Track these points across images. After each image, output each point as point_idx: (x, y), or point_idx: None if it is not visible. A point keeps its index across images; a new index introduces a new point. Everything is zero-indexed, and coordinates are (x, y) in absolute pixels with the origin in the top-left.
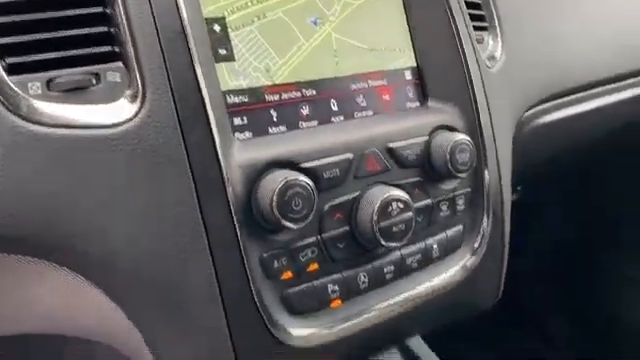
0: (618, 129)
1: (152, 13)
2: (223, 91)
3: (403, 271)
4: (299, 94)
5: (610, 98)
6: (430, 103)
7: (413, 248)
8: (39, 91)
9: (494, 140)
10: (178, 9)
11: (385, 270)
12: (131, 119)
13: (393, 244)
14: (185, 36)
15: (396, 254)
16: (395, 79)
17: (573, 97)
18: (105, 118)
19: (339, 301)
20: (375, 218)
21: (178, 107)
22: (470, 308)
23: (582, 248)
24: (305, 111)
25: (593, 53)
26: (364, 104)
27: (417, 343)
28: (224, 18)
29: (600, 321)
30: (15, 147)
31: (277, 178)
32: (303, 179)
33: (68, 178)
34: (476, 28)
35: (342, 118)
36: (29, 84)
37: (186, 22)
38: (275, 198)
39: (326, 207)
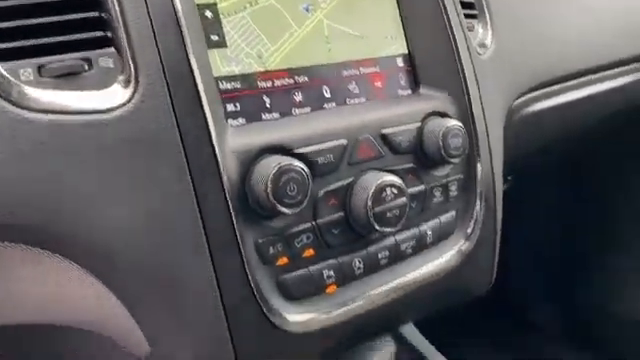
0: (608, 118)
1: None
2: (215, 77)
3: (398, 257)
4: (291, 80)
5: (601, 86)
6: (422, 90)
7: (407, 234)
8: (31, 77)
9: (486, 126)
10: None
11: (380, 256)
12: (124, 104)
13: (387, 229)
14: (177, 22)
15: (390, 240)
16: (387, 66)
17: (563, 85)
18: (98, 103)
19: (335, 286)
20: (369, 204)
21: (171, 92)
22: (464, 294)
23: (570, 238)
24: (298, 97)
25: (583, 41)
26: (356, 91)
27: (410, 331)
28: (216, 4)
29: (588, 310)
30: (6, 133)
31: (271, 163)
32: (298, 164)
33: (60, 164)
34: (466, 16)
35: (334, 105)
36: (20, 70)
37: (178, 7)
38: (270, 183)
39: (320, 193)
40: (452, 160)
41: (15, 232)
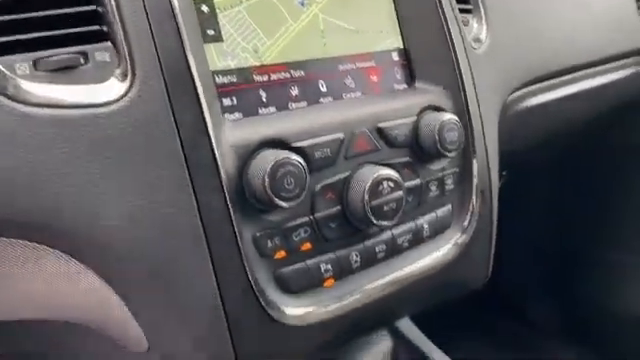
0: (601, 113)
1: None
2: (212, 71)
3: (394, 250)
4: (288, 75)
5: (593, 81)
6: (417, 84)
7: (404, 228)
8: (27, 71)
9: (481, 120)
10: None
11: (377, 249)
12: (121, 98)
13: (384, 223)
14: (174, 16)
15: (387, 234)
16: (382, 60)
17: (557, 80)
18: (95, 97)
19: (332, 280)
20: (366, 197)
21: (168, 86)
22: (460, 287)
23: (566, 233)
24: (294, 92)
25: (577, 37)
26: (352, 85)
27: (407, 326)
28: None
29: (585, 306)
30: (2, 127)
31: (268, 157)
32: (295, 158)
33: (57, 158)
34: (461, 11)
35: (331, 99)
36: (16, 64)
37: (174, 2)
38: (267, 177)
39: (317, 187)
40: (448, 154)
41: (12, 227)
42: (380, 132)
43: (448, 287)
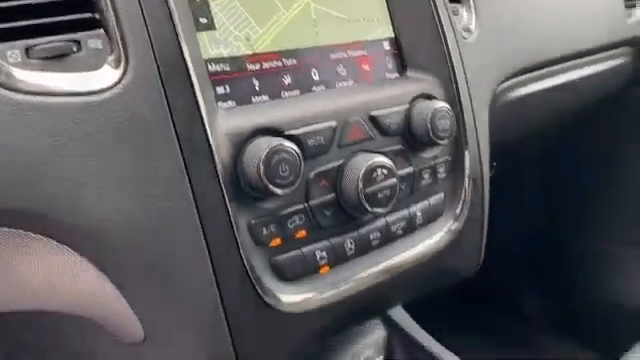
0: (591, 104)
1: None
2: (205, 60)
3: (388, 238)
4: (280, 63)
5: (582, 72)
6: (409, 73)
7: (397, 215)
8: (18, 59)
9: (472, 109)
10: None
11: (371, 237)
12: (115, 85)
13: (379, 210)
14: (167, 4)
15: (381, 221)
16: (374, 49)
17: (545, 71)
18: (88, 85)
19: (327, 267)
20: (360, 184)
21: (162, 73)
22: (453, 275)
23: (554, 224)
24: (287, 80)
25: (564, 28)
26: (344, 74)
27: (400, 314)
28: None
29: (572, 294)
30: None
31: (262, 144)
32: (289, 145)
33: (51, 146)
34: (451, 0)
35: (323, 88)
36: (8, 52)
37: None
38: (262, 164)
39: (312, 175)
40: (440, 142)
41: (7, 216)
42: (373, 120)
43: (441, 274)
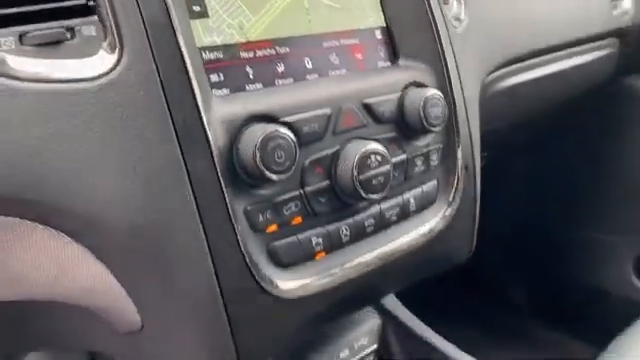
0: (579, 94)
1: None
2: (198, 47)
3: (383, 224)
4: (273, 51)
5: (569, 62)
6: (401, 61)
7: (391, 202)
8: (12, 46)
9: (463, 97)
10: None
11: (366, 224)
12: (109, 72)
13: (373, 196)
14: None
15: (375, 208)
16: (366, 38)
17: (534, 61)
18: (82, 72)
19: (323, 253)
20: (355, 171)
21: (157, 60)
22: (446, 261)
23: (543, 212)
24: (280, 68)
25: (553, 18)
26: (337, 62)
27: (394, 303)
28: None
29: (562, 283)
30: None
31: (257, 131)
32: (284, 131)
33: (46, 133)
34: None
35: (317, 76)
36: (2, 39)
37: None
38: (258, 150)
39: (307, 162)
40: (432, 129)
41: (2, 204)
42: (366, 108)
43: (435, 261)
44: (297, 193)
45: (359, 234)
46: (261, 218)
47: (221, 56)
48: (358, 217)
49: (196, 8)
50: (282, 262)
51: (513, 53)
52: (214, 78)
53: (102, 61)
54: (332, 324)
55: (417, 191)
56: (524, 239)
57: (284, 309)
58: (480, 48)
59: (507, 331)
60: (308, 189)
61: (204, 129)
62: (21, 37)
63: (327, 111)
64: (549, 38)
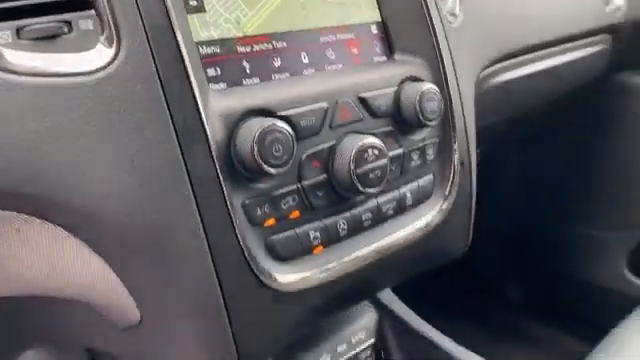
0: (571, 90)
1: None
2: (196, 42)
3: (380, 218)
4: (270, 46)
5: (563, 58)
6: (397, 56)
7: (388, 196)
8: (9, 40)
9: (459, 91)
10: None
11: (363, 217)
12: (107, 66)
13: (370, 190)
14: None
15: (372, 202)
16: (362, 33)
17: (528, 57)
18: (79, 66)
19: (321, 247)
20: (352, 165)
21: (155, 55)
22: (442, 255)
23: (536, 208)
24: (277, 63)
25: (547, 14)
26: (333, 57)
27: (391, 298)
28: None
29: (555, 278)
30: None
31: (255, 125)
32: (281, 125)
33: (43, 127)
34: None
35: (313, 70)
36: None
37: None
38: (255, 144)
39: (304, 156)
40: (428, 123)
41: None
42: (363, 102)
43: (431, 255)
44: (295, 187)
45: (356, 228)
46: (259, 212)
47: (218, 50)
48: (355, 211)
49: (193, 3)
50: (280, 256)
51: (508, 48)
52: (211, 72)
53: (99, 55)
54: (329, 319)
55: (413, 185)
56: (518, 235)
57: (283, 302)
58: (475, 43)
59: (502, 325)
60: (305, 183)
61: (202, 123)
62: (18, 31)
63: (324, 105)
64: (543, 34)
